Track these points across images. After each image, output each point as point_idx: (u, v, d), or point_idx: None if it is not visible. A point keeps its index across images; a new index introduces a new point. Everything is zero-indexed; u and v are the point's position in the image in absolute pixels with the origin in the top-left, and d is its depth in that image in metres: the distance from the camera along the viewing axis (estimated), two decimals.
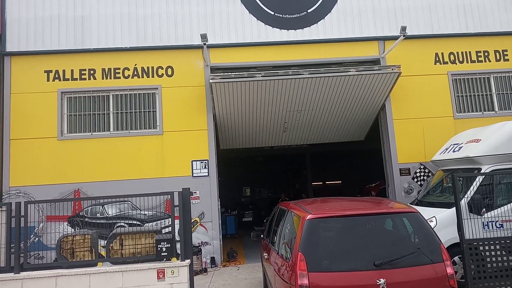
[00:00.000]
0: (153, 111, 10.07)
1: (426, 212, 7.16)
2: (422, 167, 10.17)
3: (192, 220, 9.28)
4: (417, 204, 8.15)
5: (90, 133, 9.85)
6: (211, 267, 9.36)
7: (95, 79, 9.98)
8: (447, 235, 6.59)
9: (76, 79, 9.95)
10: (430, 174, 10.03)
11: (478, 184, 7.03)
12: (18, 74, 9.85)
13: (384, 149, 10.62)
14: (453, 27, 10.83)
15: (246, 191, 22.59)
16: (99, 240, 5.79)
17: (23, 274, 5.43)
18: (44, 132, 9.67)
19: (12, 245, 5.59)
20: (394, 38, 10.00)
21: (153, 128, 9.99)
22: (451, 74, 10.64)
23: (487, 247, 6.03)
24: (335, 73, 9.51)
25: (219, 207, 10.05)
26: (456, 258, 6.69)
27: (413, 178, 10.16)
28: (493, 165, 7.23)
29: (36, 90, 9.82)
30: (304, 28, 10.51)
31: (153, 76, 10.12)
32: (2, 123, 9.66)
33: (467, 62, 10.77)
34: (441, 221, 6.92)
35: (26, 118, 9.69)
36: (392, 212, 4.68)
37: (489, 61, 10.81)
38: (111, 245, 5.47)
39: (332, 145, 14.00)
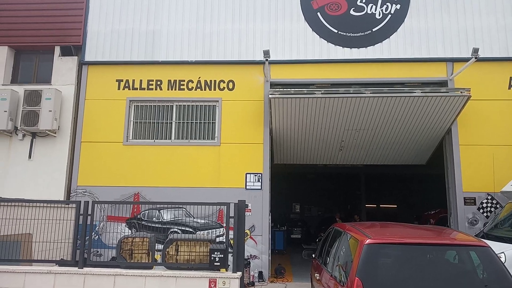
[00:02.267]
0: (212, 122, 10.37)
1: (494, 246, 6.64)
2: (489, 197, 9.46)
3: None
4: (483, 237, 7.58)
5: (153, 140, 10.35)
6: (259, 281, 9.32)
7: (161, 89, 10.52)
8: None
9: (144, 89, 10.55)
10: (498, 206, 9.30)
11: None
12: (93, 82, 10.65)
13: (447, 176, 10.02)
14: None
15: (296, 207, 22.33)
16: (156, 244, 6.01)
17: (86, 269, 5.77)
18: (111, 137, 10.31)
19: (77, 242, 5.97)
20: (464, 60, 9.52)
21: (212, 139, 10.28)
22: None
23: None
24: (399, 93, 9.21)
25: (270, 221, 10.03)
26: None
27: (478, 209, 9.47)
28: None
29: (107, 97, 10.54)
30: (368, 47, 10.34)
31: (215, 89, 10.46)
32: (76, 126, 10.45)
33: None
34: (510, 257, 6.37)
35: (96, 122, 10.41)
36: (459, 244, 4.39)
37: None
38: (167, 250, 5.65)
39: (388, 167, 13.49)
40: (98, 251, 9.47)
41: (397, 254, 4.31)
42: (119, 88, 10.62)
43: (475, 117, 9.81)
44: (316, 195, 22.28)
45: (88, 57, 10.77)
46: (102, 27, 10.92)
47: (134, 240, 5.77)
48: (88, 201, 6.02)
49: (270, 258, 9.88)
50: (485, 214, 9.42)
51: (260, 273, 9.44)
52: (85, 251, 5.90)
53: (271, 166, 10.69)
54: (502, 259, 6.36)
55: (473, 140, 9.74)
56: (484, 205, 9.48)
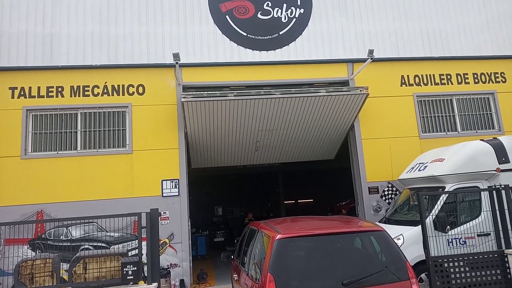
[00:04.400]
0: (122, 129, 9.89)
1: (393, 230, 7.32)
2: (390, 185, 10.41)
3: (161, 241, 9.06)
4: (385, 222, 8.31)
5: (56, 152, 9.54)
6: None
7: (63, 96, 9.75)
8: (414, 253, 6.75)
9: (42, 97, 9.67)
10: (397, 193, 10.27)
11: (442, 202, 7.28)
12: None
13: (353, 168, 10.83)
14: (418, 51, 11.34)
15: (218, 210, 22.32)
16: (61, 264, 5.55)
17: None
18: (7, 151, 9.28)
19: None
20: (362, 60, 10.35)
21: (123, 146, 9.79)
22: (416, 96, 11.07)
23: (451, 264, 6.19)
24: (305, 93, 9.70)
25: (189, 227, 9.87)
26: (423, 275, 6.81)
27: (381, 197, 10.37)
28: (456, 184, 7.51)
29: None
30: (276, 50, 10.72)
31: (123, 94, 9.99)
32: None
33: (431, 84, 11.25)
34: (408, 238, 7.07)
35: None
36: (359, 231, 4.75)
37: (452, 83, 11.34)
38: (74, 269, 5.24)
39: (303, 164, 14.14)
40: None
41: (307, 246, 4.53)
42: (13, 97, 9.61)
43: (374, 112, 10.73)
44: (237, 196, 22.52)
45: None
46: None
47: (34, 263, 5.24)
48: None
49: (191, 265, 9.72)
50: (387, 201, 10.34)
51: (182, 281, 9.24)
52: None
53: (189, 171, 10.53)
54: (401, 241, 7.03)
55: (373, 134, 10.64)
56: (386, 192, 10.40)
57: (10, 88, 9.63)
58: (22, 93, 9.66)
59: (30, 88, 9.70)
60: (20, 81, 9.68)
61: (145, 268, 5.45)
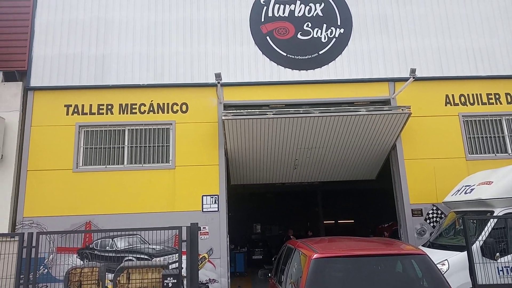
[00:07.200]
0: (166, 145, 10.30)
1: (438, 255, 7.05)
2: (434, 208, 10.02)
3: (201, 256, 9.23)
4: (429, 247, 8.00)
5: (105, 166, 10.08)
6: None
7: (112, 114, 10.34)
8: (460, 280, 6.43)
9: (94, 114, 10.32)
10: (443, 216, 9.86)
11: (491, 227, 6.92)
12: (39, 108, 10.28)
13: (395, 189, 10.53)
14: (463, 69, 10.99)
15: (256, 227, 22.29)
16: (107, 273, 5.82)
17: None
18: (60, 164, 9.93)
19: (22, 276, 5.65)
20: (405, 79, 10.18)
21: (166, 162, 10.17)
22: (462, 116, 10.68)
23: None
24: (345, 112, 9.66)
25: (228, 243, 9.98)
26: None
27: (425, 219, 9.99)
28: (506, 208, 7.12)
29: (55, 123, 10.19)
30: (316, 69, 10.81)
31: (168, 112, 10.44)
32: (21, 154, 9.99)
33: (478, 104, 10.82)
34: (453, 264, 6.76)
35: (44, 150, 10.00)
36: (399, 254, 4.63)
37: (500, 103, 10.85)
38: (118, 278, 5.48)
39: (343, 183, 13.92)
40: (47, 286, 8.95)
41: (345, 267, 4.48)
42: (67, 114, 10.32)
43: (417, 132, 10.45)
44: (276, 214, 22.40)
45: (34, 82, 10.42)
46: (48, 51, 10.64)
47: (82, 271, 5.55)
48: (32, 233, 5.74)
49: (229, 281, 9.78)
50: (431, 224, 9.94)
51: None
52: (29, 286, 5.59)
53: (229, 187, 10.71)
54: (446, 267, 6.73)
55: (416, 155, 10.34)
56: (430, 215, 10.01)
57: (65, 105, 10.35)
58: (75, 110, 10.35)
59: (83, 105, 10.38)
60: (74, 99, 10.40)
61: (185, 281, 5.59)
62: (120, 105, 10.41)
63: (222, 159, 10.17)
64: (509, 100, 10.86)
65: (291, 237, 14.00)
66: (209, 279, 9.43)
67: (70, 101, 10.38)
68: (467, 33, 11.23)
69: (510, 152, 10.58)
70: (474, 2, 11.47)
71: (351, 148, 10.81)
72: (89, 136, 10.31)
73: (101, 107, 10.40)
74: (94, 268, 5.57)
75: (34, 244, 5.71)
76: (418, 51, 11.05)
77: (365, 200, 20.62)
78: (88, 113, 10.34)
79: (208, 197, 9.92)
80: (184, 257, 5.68)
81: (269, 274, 6.81)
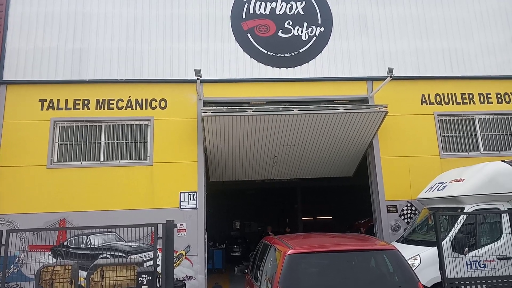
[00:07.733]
0: (144, 142, 10.17)
1: (411, 250, 7.23)
2: (409, 204, 10.25)
3: (178, 253, 9.19)
4: (402, 242, 8.19)
5: (80, 162, 9.89)
6: None
7: (89, 109, 10.15)
8: (431, 274, 6.62)
9: (70, 109, 10.10)
10: (416, 212, 10.09)
11: (461, 223, 7.13)
12: (12, 102, 9.99)
13: (371, 186, 10.73)
14: (439, 70, 11.26)
15: (235, 224, 22.35)
16: (80, 271, 5.73)
17: None
18: (34, 160, 9.69)
19: None
20: (382, 78, 10.34)
21: (144, 159, 10.06)
22: (437, 115, 10.95)
23: (469, 287, 6.04)
24: (324, 110, 9.76)
25: (206, 240, 9.97)
26: None
27: (400, 216, 10.21)
28: (476, 205, 7.36)
29: (29, 118, 9.92)
30: (296, 67, 10.87)
31: (146, 108, 10.31)
32: None
33: (453, 103, 11.11)
34: (425, 259, 6.94)
35: (17, 145, 9.72)
36: (371, 249, 4.73)
37: (474, 103, 11.17)
38: (91, 276, 5.41)
39: (322, 180, 14.09)
40: (18, 285, 8.73)
41: (318, 262, 4.55)
42: (42, 109, 10.07)
43: (393, 131, 10.66)
44: (255, 210, 22.51)
45: (6, 76, 10.11)
46: (23, 45, 10.35)
47: (54, 269, 5.45)
48: (2, 230, 5.60)
49: (207, 278, 9.78)
50: (406, 220, 10.17)
51: None
52: None
53: (208, 184, 10.68)
54: (418, 261, 6.91)
55: (392, 152, 10.55)
56: (405, 212, 10.24)
57: (40, 100, 10.10)
58: (50, 105, 10.11)
59: (58, 100, 10.14)
60: (49, 93, 10.15)
61: (161, 278, 5.56)
62: (97, 100, 10.22)
63: (201, 156, 10.13)
64: (482, 100, 11.19)
65: (270, 233, 14.07)
66: (186, 276, 9.40)
67: (45, 95, 10.13)
68: (443, 35, 11.50)
69: (482, 150, 10.92)
70: (451, 5, 11.75)
71: (330, 145, 10.94)
72: (64, 132, 10.08)
73: (77, 102, 10.19)
74: (67, 266, 5.47)
75: (3, 242, 5.57)
76: (396, 51, 11.26)
77: (343, 197, 20.94)
78: (64, 108, 10.11)
79: (186, 194, 9.87)
80: (159, 254, 5.64)
81: (246, 270, 6.84)
